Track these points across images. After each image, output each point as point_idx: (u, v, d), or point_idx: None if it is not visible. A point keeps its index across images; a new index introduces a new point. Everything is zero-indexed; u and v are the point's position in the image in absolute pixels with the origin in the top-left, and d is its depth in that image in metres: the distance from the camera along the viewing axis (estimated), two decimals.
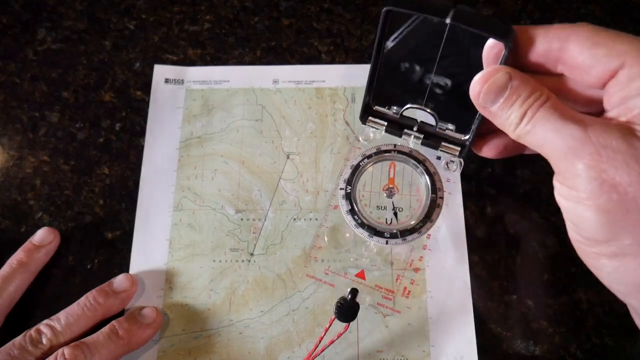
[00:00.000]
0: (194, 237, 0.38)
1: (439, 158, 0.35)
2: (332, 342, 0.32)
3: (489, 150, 0.33)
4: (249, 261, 0.37)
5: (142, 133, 0.41)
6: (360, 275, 0.35)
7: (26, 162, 0.40)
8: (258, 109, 0.42)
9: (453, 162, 0.35)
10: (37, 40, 0.44)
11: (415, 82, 0.33)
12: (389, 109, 0.35)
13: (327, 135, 0.41)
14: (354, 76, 0.42)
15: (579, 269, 0.36)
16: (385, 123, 0.35)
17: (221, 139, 0.41)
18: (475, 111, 0.31)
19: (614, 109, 0.25)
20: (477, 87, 0.27)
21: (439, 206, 0.33)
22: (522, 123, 0.26)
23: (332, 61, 0.43)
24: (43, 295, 0.36)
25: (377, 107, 0.35)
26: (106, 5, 0.45)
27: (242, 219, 0.38)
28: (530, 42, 0.27)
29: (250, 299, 0.36)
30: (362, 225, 0.33)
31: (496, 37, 0.26)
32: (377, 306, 0.35)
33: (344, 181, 0.34)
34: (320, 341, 0.32)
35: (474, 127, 0.32)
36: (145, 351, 0.35)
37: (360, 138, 0.36)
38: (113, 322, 0.34)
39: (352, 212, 0.33)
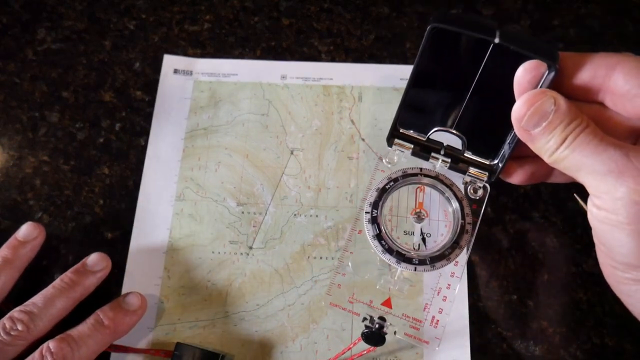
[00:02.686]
0: (194, 227, 0.38)
1: (465, 184, 0.33)
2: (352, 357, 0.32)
3: (517, 177, 0.32)
4: (248, 254, 0.37)
5: (142, 133, 0.41)
6: (387, 303, 0.34)
7: (26, 162, 0.40)
8: (265, 104, 0.42)
9: (479, 187, 0.33)
10: (37, 40, 0.44)
11: (447, 104, 0.32)
12: (416, 131, 0.34)
13: (332, 132, 0.41)
14: (362, 75, 0.42)
15: (579, 269, 0.37)
16: (412, 146, 0.34)
17: (226, 131, 0.41)
18: (505, 135, 0.30)
19: None
20: (522, 109, 0.26)
21: (467, 232, 0.32)
22: (560, 148, 0.26)
23: (332, 61, 0.43)
24: None
25: (403, 131, 0.34)
26: (106, 5, 0.45)
27: (243, 212, 0.38)
28: (575, 67, 0.27)
29: (246, 291, 0.36)
30: (389, 251, 0.31)
31: (545, 59, 0.26)
32: (405, 337, 0.33)
33: (370, 205, 0.33)
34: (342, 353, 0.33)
35: (506, 152, 0.31)
36: (140, 339, 0.35)
37: (384, 160, 0.34)
38: (97, 311, 0.33)
39: (379, 237, 0.32)
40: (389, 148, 0.34)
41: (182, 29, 0.45)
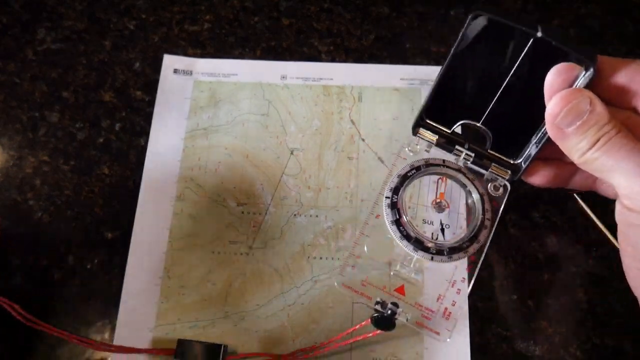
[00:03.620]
0: (194, 227, 0.38)
1: (486, 180, 0.33)
2: (356, 339, 0.32)
3: (538, 178, 0.32)
4: (248, 254, 0.37)
5: (142, 133, 0.41)
6: (400, 290, 0.33)
7: (26, 162, 0.40)
8: (265, 104, 0.42)
9: (500, 186, 0.33)
10: (37, 40, 0.44)
11: (477, 97, 0.32)
12: (441, 123, 0.33)
13: (332, 132, 0.41)
14: (362, 75, 0.42)
15: (579, 269, 0.37)
16: (436, 137, 0.33)
17: (226, 131, 0.41)
18: (531, 136, 0.30)
19: None
20: (557, 106, 0.26)
21: (486, 227, 0.32)
22: (592, 149, 0.26)
23: (332, 61, 0.43)
24: (43, 296, 0.36)
25: (429, 120, 0.34)
26: (106, 5, 0.45)
27: (242, 212, 0.38)
28: (612, 71, 0.27)
29: (246, 291, 0.36)
30: (407, 237, 0.31)
31: (584, 58, 0.26)
32: (416, 325, 0.32)
33: (390, 190, 0.32)
34: (348, 333, 0.33)
35: (532, 151, 0.31)
36: (140, 339, 0.35)
37: (407, 148, 0.34)
38: None
39: (398, 222, 0.31)
40: (413, 137, 0.34)
41: (182, 29, 0.45)
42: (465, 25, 0.28)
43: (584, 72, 0.26)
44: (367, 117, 0.41)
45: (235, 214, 0.38)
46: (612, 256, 0.36)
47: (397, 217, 0.32)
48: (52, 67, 0.43)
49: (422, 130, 0.34)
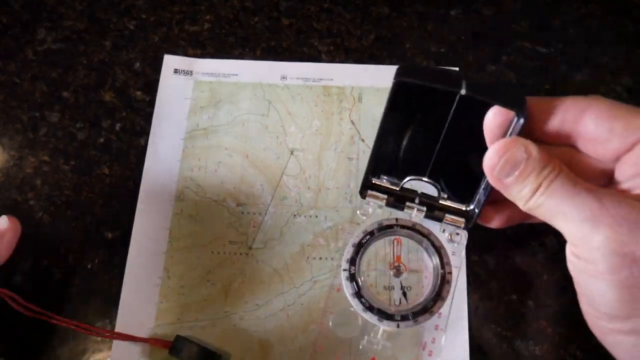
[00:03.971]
0: (194, 227, 0.38)
1: (443, 231, 0.33)
2: None
3: (495, 222, 0.32)
4: (247, 254, 0.37)
5: (142, 133, 0.41)
6: None
7: (26, 162, 0.40)
8: (265, 104, 0.42)
9: (458, 234, 0.33)
10: (37, 40, 0.44)
11: (419, 153, 0.32)
12: (388, 181, 0.33)
13: (332, 133, 0.41)
14: (362, 76, 0.42)
15: None
16: (386, 197, 0.33)
17: (226, 131, 0.41)
18: (480, 181, 0.30)
19: (627, 182, 0.25)
20: (493, 159, 0.26)
21: (449, 282, 0.31)
22: (535, 195, 0.25)
23: (332, 61, 0.43)
24: (43, 296, 0.36)
25: (376, 181, 0.34)
26: (106, 5, 0.45)
27: (242, 212, 0.38)
28: (544, 113, 0.27)
29: (246, 291, 0.36)
30: (370, 309, 0.31)
31: (511, 107, 0.26)
32: None
33: (347, 261, 0.32)
34: None
35: (481, 198, 0.31)
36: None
37: (359, 212, 0.34)
38: None
39: (359, 295, 0.31)
40: (363, 200, 0.34)
41: (182, 29, 0.45)
42: (390, 91, 0.28)
43: (515, 118, 0.26)
44: (367, 118, 0.41)
45: (235, 214, 0.38)
46: None
47: (357, 289, 0.31)
48: (52, 67, 0.43)
49: (370, 192, 0.33)
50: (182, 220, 0.38)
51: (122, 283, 0.36)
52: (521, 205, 0.27)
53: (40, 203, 0.39)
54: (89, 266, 0.37)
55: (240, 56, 0.44)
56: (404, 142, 0.32)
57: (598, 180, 0.28)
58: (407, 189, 0.33)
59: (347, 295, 0.31)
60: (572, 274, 0.26)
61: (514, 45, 0.44)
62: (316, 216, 0.38)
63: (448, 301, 0.31)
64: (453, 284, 0.31)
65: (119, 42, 0.44)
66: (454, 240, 0.33)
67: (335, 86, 0.42)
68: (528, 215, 0.28)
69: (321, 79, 0.43)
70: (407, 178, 0.33)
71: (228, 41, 0.44)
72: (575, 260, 0.25)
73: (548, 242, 0.37)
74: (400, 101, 0.29)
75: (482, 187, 0.31)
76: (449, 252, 0.32)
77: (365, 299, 0.31)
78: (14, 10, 0.45)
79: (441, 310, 0.31)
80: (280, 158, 0.40)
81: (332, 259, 0.37)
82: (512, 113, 0.26)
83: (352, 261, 0.32)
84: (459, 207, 0.33)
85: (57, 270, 0.37)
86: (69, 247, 0.38)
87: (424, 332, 0.32)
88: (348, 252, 0.32)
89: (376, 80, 0.42)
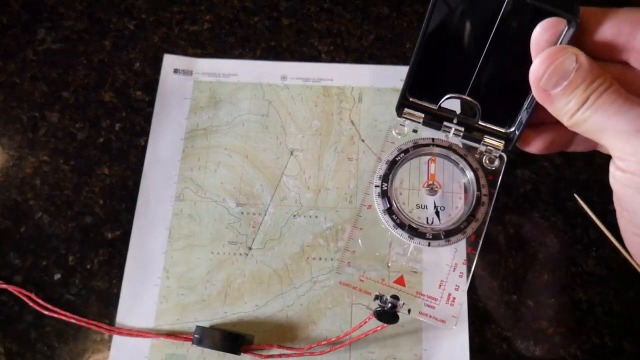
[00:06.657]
0: (193, 228, 0.38)
1: (480, 153, 0.32)
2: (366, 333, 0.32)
3: (535, 145, 0.30)
4: (247, 255, 0.37)
5: (142, 133, 0.41)
6: (400, 281, 0.32)
7: (26, 162, 0.40)
8: (265, 104, 0.42)
9: (496, 157, 0.31)
10: (37, 40, 0.44)
11: (459, 69, 0.30)
12: (426, 100, 0.31)
13: (332, 133, 0.41)
14: (362, 76, 0.42)
15: (579, 269, 0.37)
16: (423, 115, 0.31)
17: (226, 132, 0.41)
18: (522, 101, 0.28)
19: None
20: (541, 67, 0.24)
21: (484, 204, 0.30)
22: (582, 109, 0.24)
23: (332, 61, 0.43)
24: (43, 295, 0.36)
25: (413, 99, 0.32)
26: (106, 5, 0.45)
27: (242, 213, 0.38)
28: (597, 23, 0.25)
29: (245, 292, 0.36)
30: (401, 225, 0.30)
31: (564, 13, 0.24)
32: (419, 316, 0.31)
33: (379, 178, 0.31)
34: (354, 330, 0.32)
35: (523, 119, 0.29)
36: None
37: (394, 131, 0.32)
38: None
39: (390, 211, 0.30)
40: (398, 118, 0.32)
41: (182, 29, 0.45)
42: (431, 2, 0.27)
43: (566, 27, 0.24)
44: (367, 118, 0.41)
45: (234, 214, 0.38)
46: (612, 256, 0.36)
47: (389, 205, 0.30)
48: (52, 67, 0.43)
49: (407, 110, 0.31)
50: (182, 220, 0.38)
51: (121, 283, 0.36)
52: (565, 120, 0.25)
53: (40, 203, 0.39)
54: (88, 266, 0.37)
55: (240, 56, 0.44)
56: (445, 57, 0.30)
57: None
58: (446, 109, 0.31)
59: (378, 211, 0.30)
60: (615, 189, 0.25)
61: None
62: (316, 216, 0.38)
63: (482, 224, 0.30)
64: (489, 207, 0.30)
65: (119, 42, 0.44)
66: (492, 164, 0.31)
67: (335, 86, 0.42)
68: (569, 141, 0.26)
69: (321, 79, 0.43)
70: (447, 96, 0.30)
71: (228, 41, 0.44)
72: (621, 175, 0.24)
73: (548, 242, 0.37)
74: (443, 7, 0.27)
75: (525, 106, 0.29)
76: (486, 176, 0.31)
77: (396, 216, 0.30)
78: (14, 10, 0.45)
79: (474, 233, 0.30)
80: (280, 158, 0.40)
81: (331, 259, 0.37)
82: (562, 25, 0.24)
83: (385, 177, 0.31)
84: (498, 129, 0.31)
85: (57, 270, 0.37)
86: (69, 247, 0.38)
87: (456, 254, 0.31)
88: (381, 168, 0.31)
89: (376, 80, 0.42)
